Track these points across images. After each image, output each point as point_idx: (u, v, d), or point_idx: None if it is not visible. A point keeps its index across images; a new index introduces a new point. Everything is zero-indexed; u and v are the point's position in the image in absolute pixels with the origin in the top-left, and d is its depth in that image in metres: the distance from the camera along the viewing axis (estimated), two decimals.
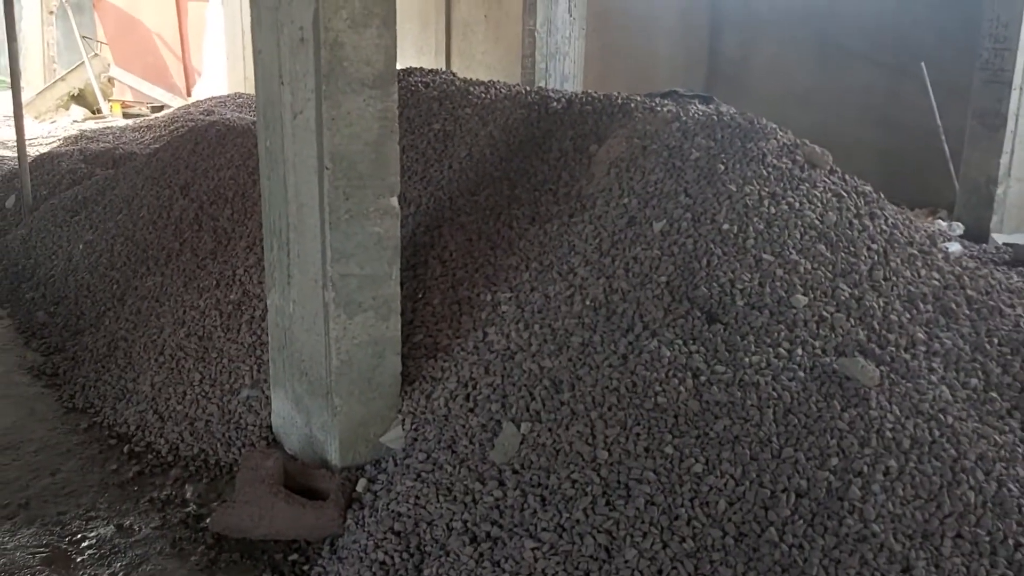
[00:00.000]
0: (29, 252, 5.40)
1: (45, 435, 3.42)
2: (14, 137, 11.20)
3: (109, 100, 14.53)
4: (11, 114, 14.58)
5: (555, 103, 4.13)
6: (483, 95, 4.35)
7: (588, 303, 3.01)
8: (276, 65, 2.88)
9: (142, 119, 12.44)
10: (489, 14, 9.70)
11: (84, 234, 5.20)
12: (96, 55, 14.92)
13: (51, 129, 12.17)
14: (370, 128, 2.75)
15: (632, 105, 3.89)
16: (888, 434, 2.54)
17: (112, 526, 2.81)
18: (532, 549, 2.38)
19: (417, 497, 2.66)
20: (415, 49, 10.42)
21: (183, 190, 5.05)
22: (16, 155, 9.69)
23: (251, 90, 12.28)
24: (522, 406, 2.78)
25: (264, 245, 3.23)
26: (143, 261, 4.62)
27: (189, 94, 14.88)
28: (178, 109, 11.67)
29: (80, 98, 14.60)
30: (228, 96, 11.39)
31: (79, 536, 2.76)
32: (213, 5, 13.21)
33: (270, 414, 3.27)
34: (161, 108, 14.36)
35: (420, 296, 3.41)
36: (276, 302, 3.18)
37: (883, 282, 3.06)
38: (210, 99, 11.64)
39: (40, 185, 6.62)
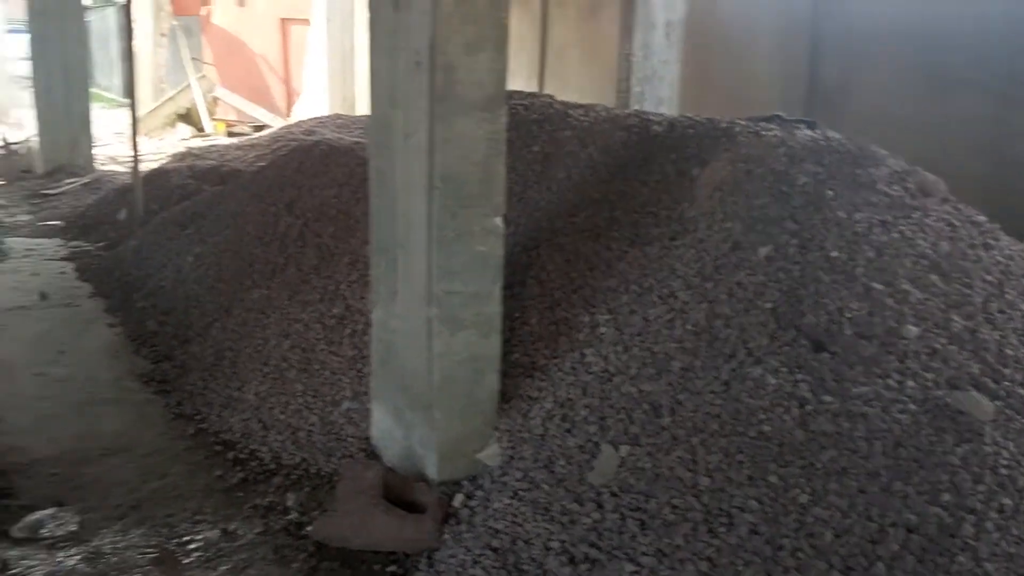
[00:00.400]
0: (140, 263, 5.64)
1: (154, 440, 3.55)
2: (126, 153, 11.72)
3: (214, 119, 15.11)
4: (122, 131, 15.29)
5: (656, 126, 4.13)
6: (582, 117, 4.38)
7: (689, 327, 2.98)
8: (390, 88, 2.96)
9: (245, 138, 12.90)
10: (584, 37, 9.75)
11: (193, 247, 5.40)
12: (203, 76, 15.54)
13: (159, 146, 12.66)
14: (479, 149, 2.80)
15: (736, 129, 3.86)
16: (1003, 471, 2.44)
17: (218, 530, 2.90)
18: (631, 573, 2.36)
19: (514, 515, 2.67)
20: (509, 72, 10.54)
21: (288, 207, 5.20)
22: (127, 170, 10.15)
23: (349, 111, 12.61)
24: (620, 429, 2.77)
25: (370, 261, 3.31)
26: (249, 274, 4.77)
27: (289, 114, 15.33)
28: (280, 129, 12.05)
29: (186, 117, 15.22)
30: (328, 117, 11.70)
31: (187, 538, 2.85)
32: (315, 28, 13.61)
33: (370, 426, 3.33)
34: (262, 127, 14.84)
35: (517, 315, 3.44)
36: (380, 317, 3.25)
37: (998, 314, 2.95)
38: (310, 119, 11.98)
39: (151, 199, 6.91)
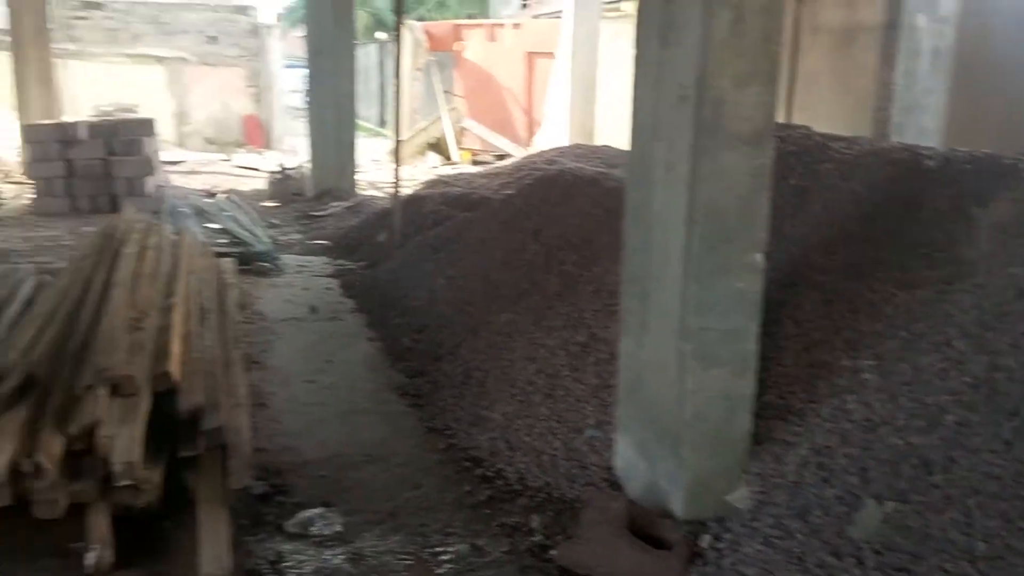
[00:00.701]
0: (397, 283, 6.02)
1: (409, 451, 3.76)
2: (384, 179, 12.55)
3: (461, 149, 15.87)
4: (378, 159, 16.37)
5: (928, 160, 3.87)
6: (844, 150, 4.19)
7: (966, 379, 2.75)
8: (652, 121, 2.98)
9: (489, 166, 13.45)
10: (837, 66, 9.34)
11: (445, 270, 5.70)
12: (453, 108, 16.38)
13: (412, 173, 13.46)
14: (742, 183, 2.75)
15: (1021, 165, 3.54)
16: None
17: (467, 544, 3.01)
18: None
19: (766, 563, 2.57)
20: None
21: (534, 235, 5.37)
22: (385, 195, 10.87)
23: (588, 141, 12.81)
24: (885, 483, 2.60)
25: (621, 291, 3.33)
26: (496, 298, 4.96)
27: (530, 144, 15.79)
28: (522, 158, 12.46)
29: (436, 146, 16.09)
30: (568, 147, 11.96)
31: (439, 549, 2.99)
32: (560, 61, 13.97)
33: (613, 456, 3.34)
34: (504, 157, 15.40)
35: (772, 355, 3.32)
36: (628, 348, 3.26)
37: None
38: (551, 149, 12.29)
39: (407, 223, 7.35)
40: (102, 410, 3.03)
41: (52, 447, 2.90)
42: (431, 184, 11.45)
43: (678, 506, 2.93)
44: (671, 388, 2.94)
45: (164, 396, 3.49)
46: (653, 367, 3.07)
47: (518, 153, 14.90)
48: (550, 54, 14.75)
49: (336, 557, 2.92)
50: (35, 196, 10.38)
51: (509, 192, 7.67)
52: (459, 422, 3.94)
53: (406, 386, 4.47)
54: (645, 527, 2.92)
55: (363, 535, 3.06)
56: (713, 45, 2.66)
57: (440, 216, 7.37)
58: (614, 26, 13.42)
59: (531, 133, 16.02)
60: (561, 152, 11.56)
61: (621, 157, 10.64)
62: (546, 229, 5.35)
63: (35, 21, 13.48)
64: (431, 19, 22.43)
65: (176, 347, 3.77)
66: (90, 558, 2.78)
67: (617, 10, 13.28)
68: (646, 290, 3.10)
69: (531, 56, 16.07)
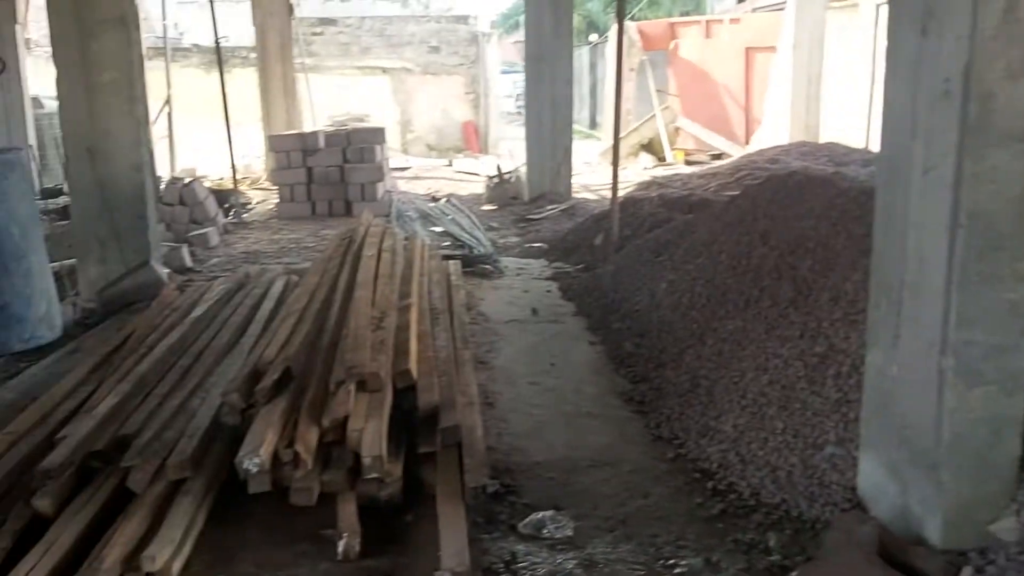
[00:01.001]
0: (616, 287, 6.01)
1: (636, 458, 3.73)
2: (596, 182, 12.61)
3: (674, 148, 15.64)
4: (589, 161, 16.44)
5: None
6: None
7: None
8: (908, 118, 2.77)
9: (705, 166, 13.18)
10: None
11: (666, 274, 5.62)
12: (666, 107, 16.18)
13: (625, 175, 13.43)
14: (1014, 184, 2.51)
15: None
16: None
17: (701, 559, 2.94)
18: None
19: None
20: None
21: (762, 237, 5.16)
22: (599, 198, 10.91)
23: (812, 139, 12.24)
24: None
25: (869, 301, 3.13)
26: (722, 304, 4.82)
27: (748, 143, 15.32)
28: (742, 158, 12.12)
29: (648, 146, 15.96)
30: (791, 145, 11.51)
31: (671, 562, 2.93)
32: (781, 56, 13.45)
33: (856, 475, 3.15)
34: (720, 156, 15.04)
35: None
36: (876, 362, 3.05)
37: None
38: (772, 148, 11.87)
39: (624, 226, 7.33)
40: (352, 404, 3.21)
41: (309, 438, 3.12)
42: (645, 186, 11.38)
43: (934, 534, 2.71)
44: (927, 407, 2.72)
45: (402, 393, 3.66)
46: (906, 383, 2.86)
47: (735, 152, 14.50)
48: (771, 48, 14.25)
49: (568, 561, 2.93)
50: (278, 201, 11.25)
51: (732, 193, 7.47)
52: (687, 432, 3.86)
53: (630, 391, 4.44)
54: (895, 554, 2.72)
55: (594, 541, 3.06)
56: (982, 34, 2.44)
57: (659, 218, 7.30)
58: (840, 17, 12.75)
59: (749, 131, 15.55)
60: (784, 150, 11.14)
61: (850, 155, 10.10)
62: (776, 232, 5.14)
63: (279, 39, 14.63)
64: (643, 18, 22.28)
65: (413, 346, 3.95)
66: (341, 545, 2.95)
67: (844, 0, 12.60)
68: (898, 300, 2.89)
69: (750, 51, 15.59)
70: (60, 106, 6.61)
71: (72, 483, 3.34)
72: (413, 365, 3.66)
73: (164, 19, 15.56)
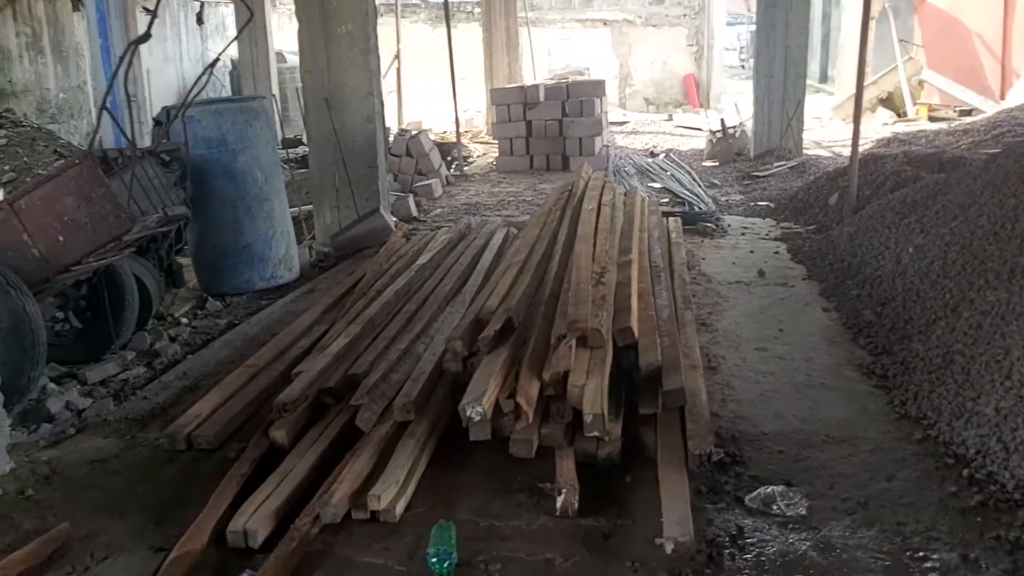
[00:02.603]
0: (855, 250, 5.55)
1: (877, 437, 3.40)
2: (829, 137, 11.84)
3: (916, 104, 14.42)
4: (819, 115, 15.48)
5: None
6: None
7: None
8: None
9: (954, 123, 12.03)
10: None
11: (913, 237, 5.12)
12: (910, 58, 14.92)
13: (862, 132, 12.52)
14: None
15: None
16: None
17: (956, 554, 2.62)
18: None
19: None
20: None
21: None
22: (832, 155, 10.23)
23: None
24: None
25: None
26: (981, 273, 4.31)
27: (1003, 98, 13.87)
28: (999, 114, 10.94)
29: (887, 101, 14.79)
30: None
31: (921, 554, 2.64)
32: None
33: None
34: (970, 112, 13.72)
35: None
36: None
37: None
38: None
39: (863, 185, 6.78)
40: (572, 359, 3.12)
41: (530, 390, 3.06)
42: (885, 143, 10.54)
43: None
44: None
45: (622, 351, 3.54)
46: None
47: (987, 108, 13.14)
48: None
49: (802, 542, 2.71)
50: (498, 155, 11.39)
51: (992, 151, 6.71)
52: (938, 412, 3.48)
53: (870, 364, 4.07)
54: None
55: (830, 523, 2.81)
56: None
57: (903, 177, 6.68)
58: None
59: (1005, 85, 14.02)
60: None
61: None
62: None
63: None
64: None
65: (634, 303, 3.81)
66: (560, 500, 2.89)
67: None
68: None
69: None
70: (300, 57, 6.94)
71: (306, 417, 3.50)
72: (635, 323, 3.51)
73: None
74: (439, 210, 8.55)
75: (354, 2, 6.74)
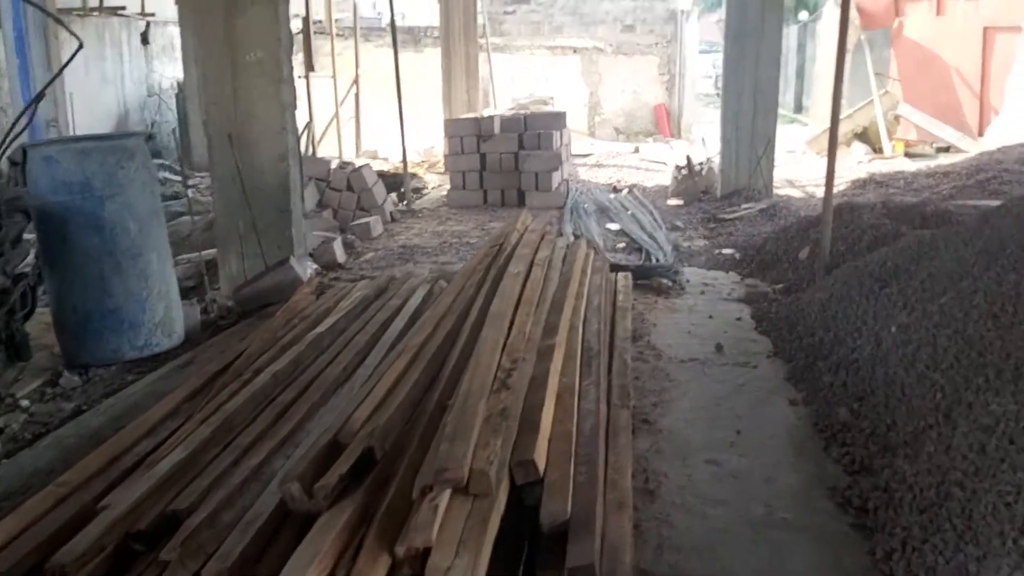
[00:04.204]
0: (827, 323, 4.76)
1: None
2: (801, 176, 11.11)
3: (892, 139, 13.83)
4: (793, 149, 14.83)
5: None
6: None
7: None
8: None
9: (933, 163, 11.38)
10: None
11: (895, 313, 4.33)
12: (887, 92, 14.34)
13: (836, 168, 11.85)
14: None
15: None
16: None
17: None
18: None
19: None
20: None
21: None
22: (805, 196, 9.47)
23: None
24: None
25: None
26: (979, 368, 3.52)
27: (981, 134, 13.34)
28: (980, 155, 10.29)
29: (863, 135, 14.19)
30: None
31: None
32: None
33: None
34: (947, 149, 13.15)
35: None
36: None
37: None
38: (1020, 144, 9.99)
39: (837, 239, 6.01)
40: (436, 527, 2.26)
41: (371, 573, 2.20)
42: (861, 184, 9.87)
43: None
44: None
45: (525, 485, 2.70)
46: None
47: (965, 145, 12.56)
48: (1014, 28, 12.25)
49: None
50: (450, 188, 10.60)
51: (979, 203, 5.98)
52: (934, 573, 2.66)
53: (846, 489, 3.24)
54: None
55: None
56: None
57: (882, 232, 5.92)
58: None
59: (983, 122, 13.50)
60: None
61: None
62: None
63: (464, 17, 14.01)
64: None
65: (547, 415, 2.98)
66: None
67: None
68: None
69: (989, 31, 13.52)
70: (203, 87, 6.10)
71: (105, 570, 2.63)
72: (540, 453, 2.68)
73: None
74: (370, 255, 7.70)
75: (265, 26, 5.93)
